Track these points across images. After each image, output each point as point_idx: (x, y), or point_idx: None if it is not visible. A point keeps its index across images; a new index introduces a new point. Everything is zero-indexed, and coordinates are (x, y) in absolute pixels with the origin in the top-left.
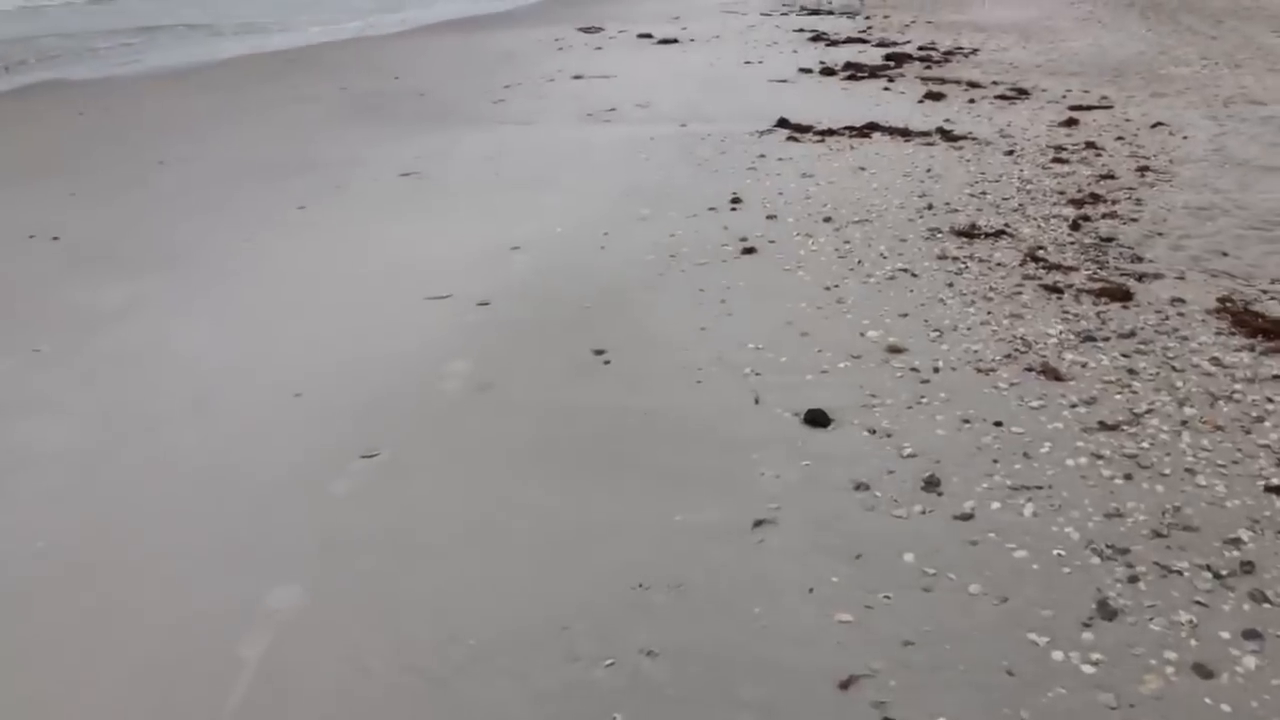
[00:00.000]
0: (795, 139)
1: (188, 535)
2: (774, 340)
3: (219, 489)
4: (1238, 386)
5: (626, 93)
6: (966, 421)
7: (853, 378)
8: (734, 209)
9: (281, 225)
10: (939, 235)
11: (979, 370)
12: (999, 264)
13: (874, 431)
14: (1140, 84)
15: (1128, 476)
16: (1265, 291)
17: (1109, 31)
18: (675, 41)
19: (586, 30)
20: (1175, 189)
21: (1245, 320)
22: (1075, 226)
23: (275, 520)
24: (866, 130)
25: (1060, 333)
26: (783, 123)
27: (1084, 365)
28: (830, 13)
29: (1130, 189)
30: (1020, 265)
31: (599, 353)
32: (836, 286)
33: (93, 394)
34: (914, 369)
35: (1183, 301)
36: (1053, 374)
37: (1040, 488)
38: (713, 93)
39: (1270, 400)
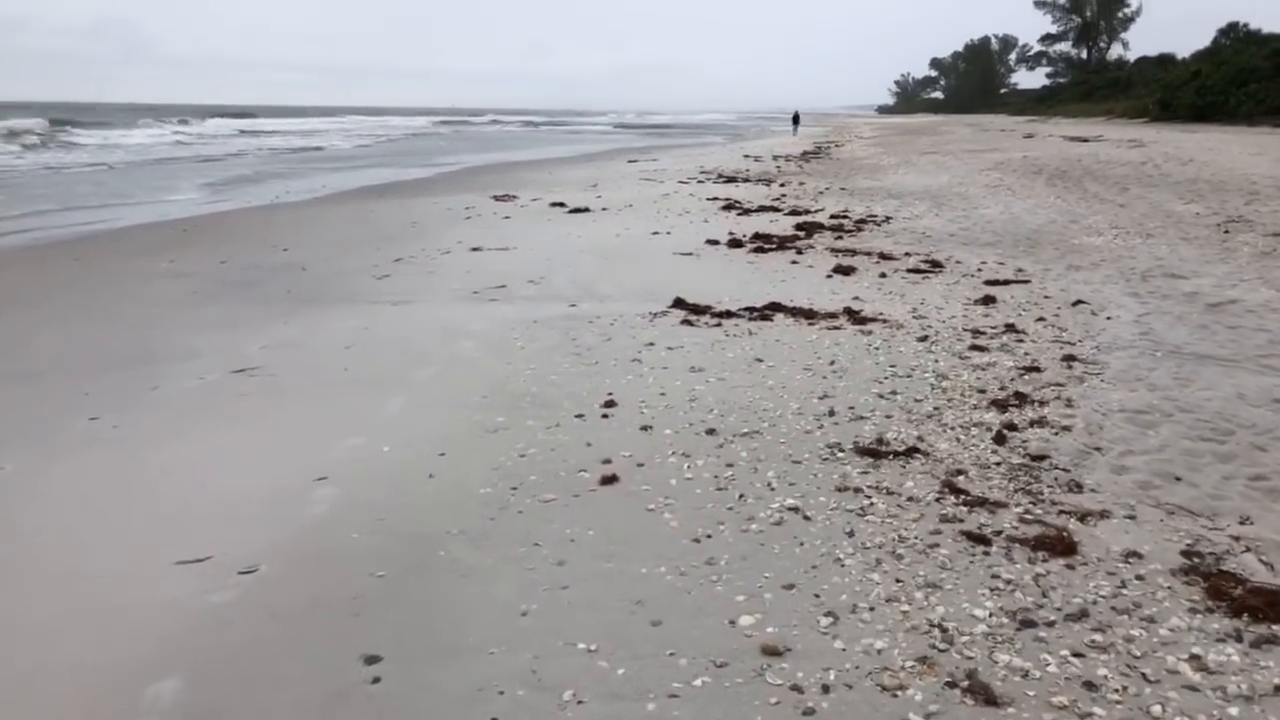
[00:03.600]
0: (690, 322)
1: None
2: (614, 635)
3: None
4: (1233, 712)
5: (522, 267)
6: None
7: (710, 707)
8: (605, 416)
9: (51, 447)
10: (839, 454)
11: (883, 688)
12: (911, 499)
13: None
14: (1055, 255)
15: None
16: (1236, 538)
17: (1019, 199)
18: (587, 210)
19: (500, 198)
20: (1107, 385)
21: (1222, 589)
22: (1000, 439)
23: None
24: (768, 311)
25: (990, 615)
26: (679, 303)
27: (1024, 674)
28: (747, 180)
29: (1058, 385)
30: (937, 499)
31: (371, 662)
32: (709, 537)
33: None
34: (795, 688)
35: (1139, 556)
36: (983, 693)
37: None
38: (613, 267)
39: None
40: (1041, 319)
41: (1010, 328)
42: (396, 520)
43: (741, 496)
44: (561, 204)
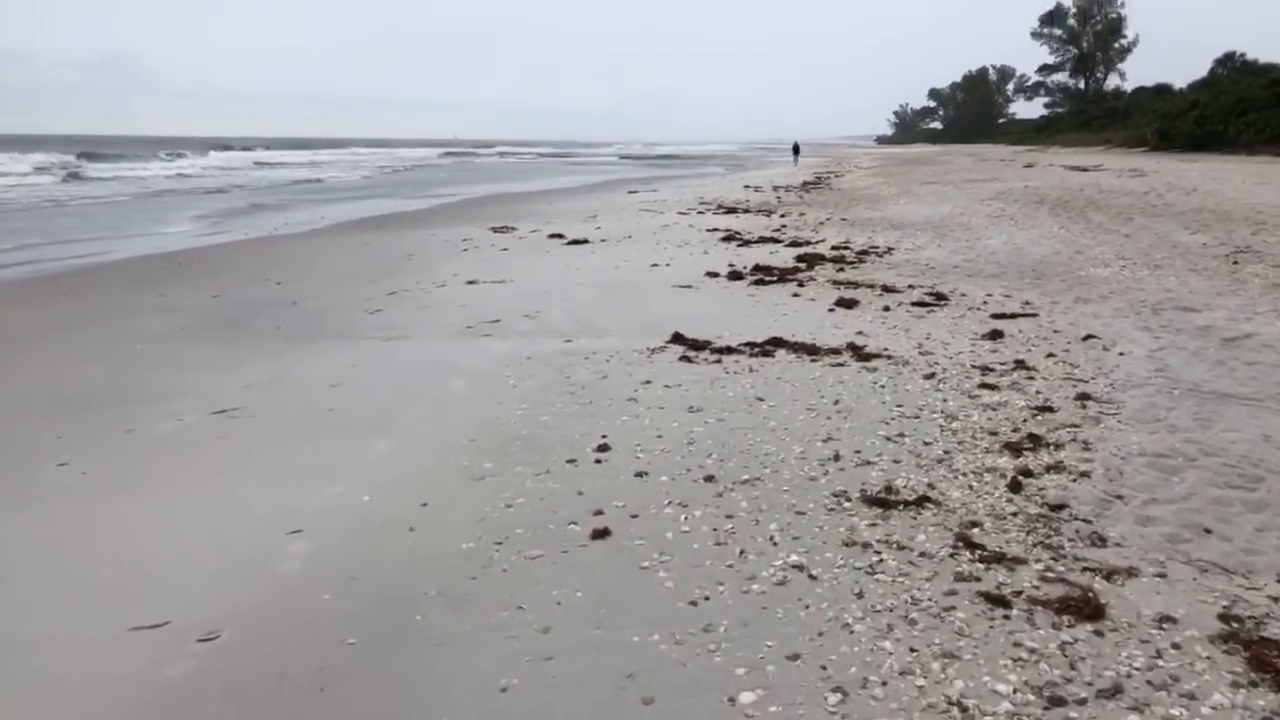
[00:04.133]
0: (689, 359)
1: None
2: (602, 715)
3: None
4: None
5: (518, 300)
6: None
7: None
8: (599, 461)
9: (12, 496)
10: (846, 504)
11: None
12: (923, 554)
13: None
14: (1062, 287)
15: None
16: (1276, 599)
17: (1022, 229)
18: (585, 242)
19: (498, 230)
20: (1125, 426)
21: (1265, 659)
22: (1015, 487)
23: None
24: (769, 347)
25: (1015, 691)
26: (677, 338)
27: None
28: (747, 211)
29: (1073, 426)
30: (951, 554)
31: None
32: (707, 599)
33: None
34: None
35: (1173, 621)
36: None
37: None
38: (611, 300)
39: None
40: (1052, 354)
41: (1020, 364)
42: (372, 580)
43: (742, 552)
44: (560, 235)
